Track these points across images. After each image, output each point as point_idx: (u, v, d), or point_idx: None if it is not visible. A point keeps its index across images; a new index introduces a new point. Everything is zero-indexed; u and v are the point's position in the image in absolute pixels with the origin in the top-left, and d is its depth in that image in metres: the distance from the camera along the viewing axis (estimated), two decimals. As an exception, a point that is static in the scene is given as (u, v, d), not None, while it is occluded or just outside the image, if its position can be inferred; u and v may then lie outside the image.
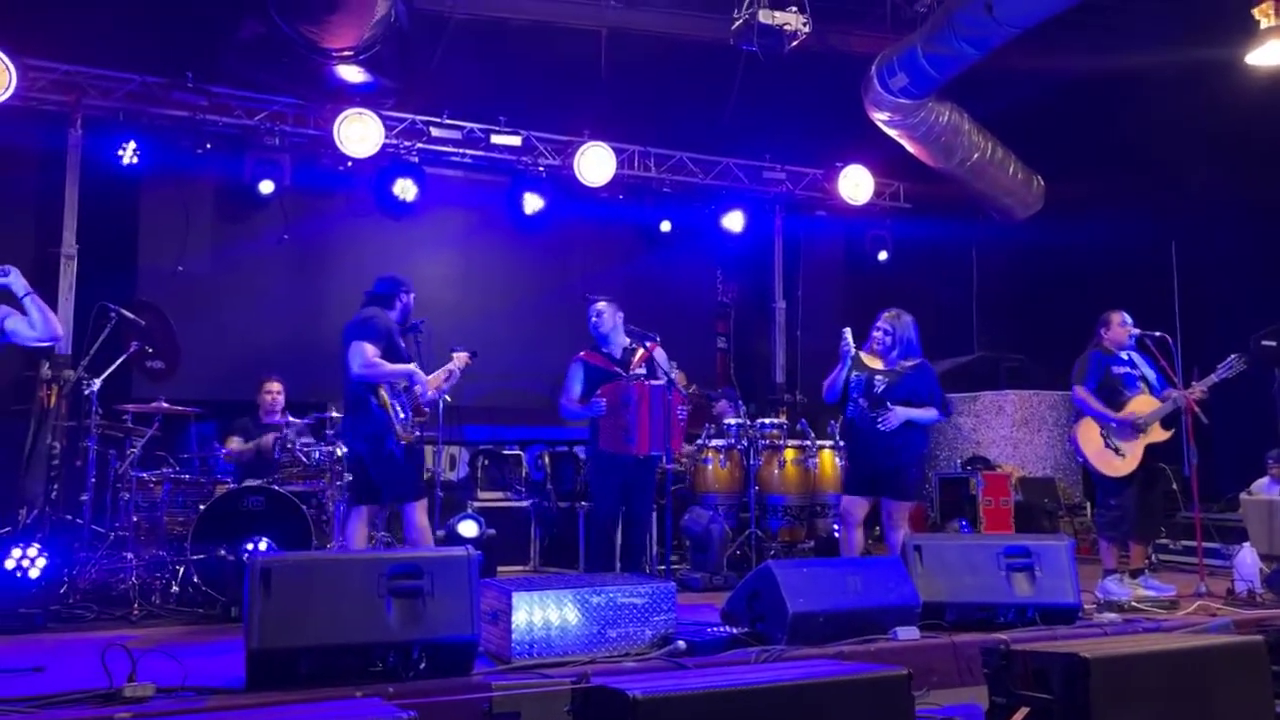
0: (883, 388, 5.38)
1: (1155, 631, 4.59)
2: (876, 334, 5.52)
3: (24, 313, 4.06)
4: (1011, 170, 9.64)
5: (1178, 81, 8.37)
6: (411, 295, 5.41)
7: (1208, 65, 7.92)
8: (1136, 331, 5.91)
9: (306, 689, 3.31)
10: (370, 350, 4.88)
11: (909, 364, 5.45)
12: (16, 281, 4.10)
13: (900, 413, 5.31)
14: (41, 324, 4.10)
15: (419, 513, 5.04)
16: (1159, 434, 5.74)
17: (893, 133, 8.96)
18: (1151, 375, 5.89)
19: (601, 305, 5.73)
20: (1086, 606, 4.93)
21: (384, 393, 4.93)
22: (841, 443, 7.28)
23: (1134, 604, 5.33)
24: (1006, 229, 10.27)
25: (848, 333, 5.40)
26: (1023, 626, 4.52)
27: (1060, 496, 8.85)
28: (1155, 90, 8.64)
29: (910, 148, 9.16)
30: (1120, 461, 5.73)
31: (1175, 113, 8.59)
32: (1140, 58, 8.34)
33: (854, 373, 5.45)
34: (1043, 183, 10.02)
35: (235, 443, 6.29)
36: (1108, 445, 5.77)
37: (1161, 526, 6.74)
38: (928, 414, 5.44)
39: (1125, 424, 5.72)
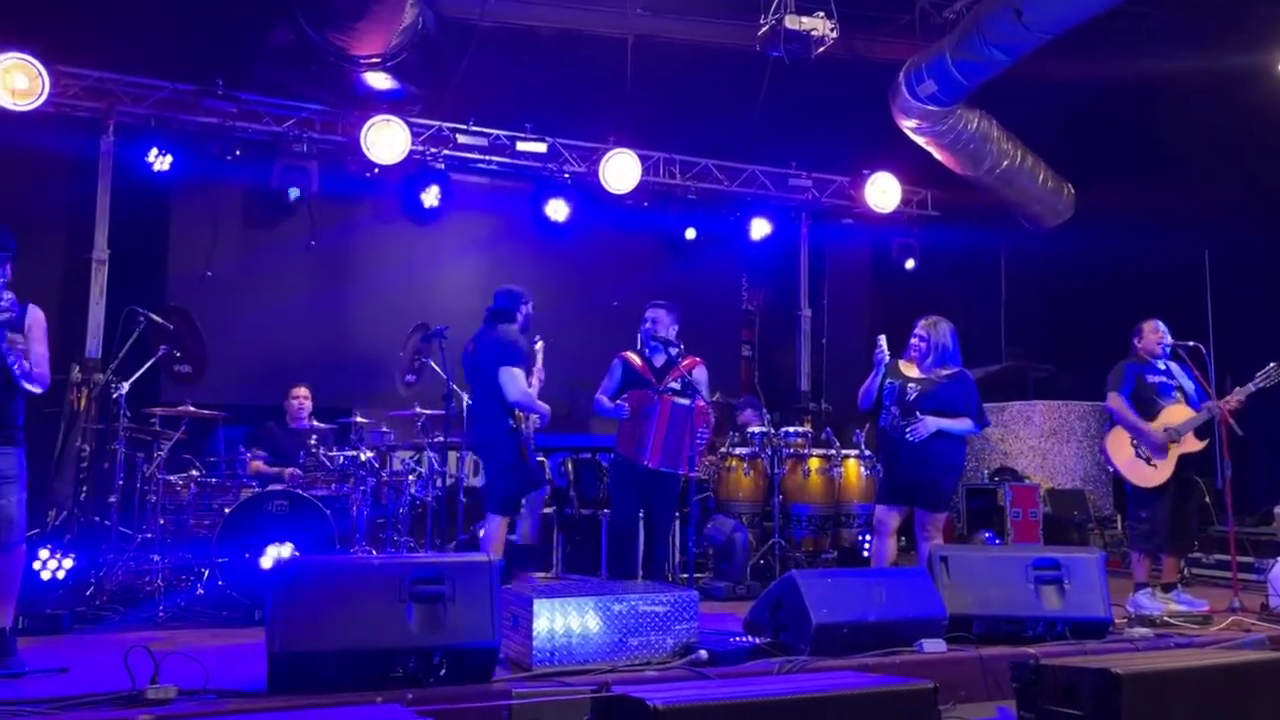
0: (914, 395, 5.26)
1: (1188, 647, 4.50)
2: (912, 340, 5.42)
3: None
4: (1041, 178, 9.54)
5: (1210, 88, 8.26)
6: (530, 304, 5.62)
7: (1241, 72, 7.81)
8: (1169, 341, 5.80)
9: (327, 693, 3.31)
10: (522, 378, 5.25)
11: (945, 373, 5.32)
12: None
13: (930, 423, 5.19)
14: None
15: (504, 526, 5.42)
16: (1193, 444, 5.63)
17: (920, 140, 8.90)
18: (1189, 385, 5.78)
19: (656, 312, 5.66)
20: (1118, 621, 4.84)
21: (519, 413, 5.35)
22: (869, 452, 7.23)
23: (1166, 619, 5.23)
24: (1036, 237, 10.16)
25: (882, 340, 5.31)
26: (1052, 640, 4.44)
27: (1090, 508, 8.71)
28: (1187, 97, 8.53)
29: (938, 155, 9.09)
30: (1151, 472, 5.62)
31: (1208, 120, 8.47)
32: (1172, 64, 8.23)
33: (888, 380, 5.34)
34: (1073, 190, 9.91)
35: (259, 465, 6.31)
36: (1139, 455, 5.67)
37: (1195, 540, 6.61)
38: (960, 424, 5.27)
39: (1157, 434, 5.62)
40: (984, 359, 10.38)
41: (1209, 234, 8.42)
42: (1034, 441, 9.29)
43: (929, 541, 5.23)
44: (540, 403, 5.43)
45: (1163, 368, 5.82)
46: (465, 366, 5.63)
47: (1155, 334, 5.83)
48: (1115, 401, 5.77)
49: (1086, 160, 9.72)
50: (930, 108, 8.33)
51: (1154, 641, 4.62)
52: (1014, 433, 9.43)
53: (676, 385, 5.53)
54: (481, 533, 5.50)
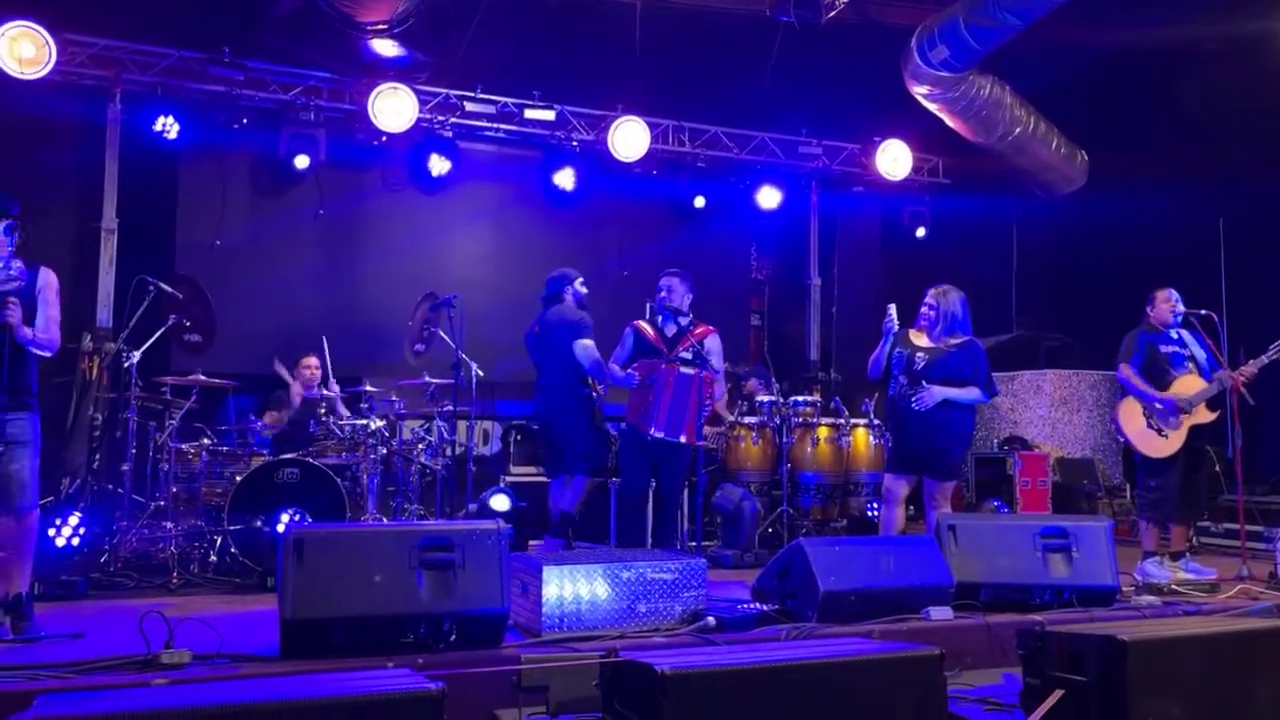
0: (922, 365, 5.24)
1: (1195, 615, 4.51)
2: (922, 309, 5.39)
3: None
4: (1054, 145, 9.44)
5: (1225, 54, 8.14)
6: (578, 280, 6.05)
7: (1256, 37, 7.69)
8: (1182, 310, 5.76)
9: (339, 659, 3.35)
10: (593, 348, 5.70)
11: (954, 341, 5.29)
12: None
13: (936, 392, 5.17)
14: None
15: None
16: (1204, 415, 5.60)
17: (932, 106, 8.80)
18: (1201, 355, 5.74)
19: (671, 280, 5.66)
20: (1125, 589, 4.85)
21: (593, 381, 5.83)
22: (877, 421, 7.22)
23: (1174, 587, 5.24)
24: (1048, 205, 10.08)
25: (892, 308, 5.30)
26: (1059, 608, 4.46)
27: (1099, 478, 8.71)
28: (1202, 63, 8.41)
29: (950, 122, 9.00)
30: (1163, 442, 5.61)
31: (1223, 85, 8.36)
32: (1187, 29, 8.11)
33: (897, 349, 5.32)
34: (1086, 157, 9.81)
35: (271, 416, 6.36)
36: (1150, 425, 5.65)
37: (1204, 509, 6.60)
38: (968, 394, 5.25)
39: (1169, 405, 5.59)
40: (995, 328, 10.33)
41: (1223, 201, 8.34)
42: (1044, 411, 9.28)
43: (938, 510, 5.23)
44: (616, 376, 5.61)
45: (1175, 337, 5.77)
46: (532, 348, 6.03)
47: (1168, 303, 5.79)
48: (1126, 372, 5.74)
49: (1100, 127, 9.61)
50: (942, 73, 8.24)
51: (1161, 609, 4.63)
52: (1024, 402, 9.42)
53: (687, 354, 5.52)
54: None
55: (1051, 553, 4.55)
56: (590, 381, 5.84)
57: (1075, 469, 8.67)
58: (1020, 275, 10.71)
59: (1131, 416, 5.73)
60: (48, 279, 3.96)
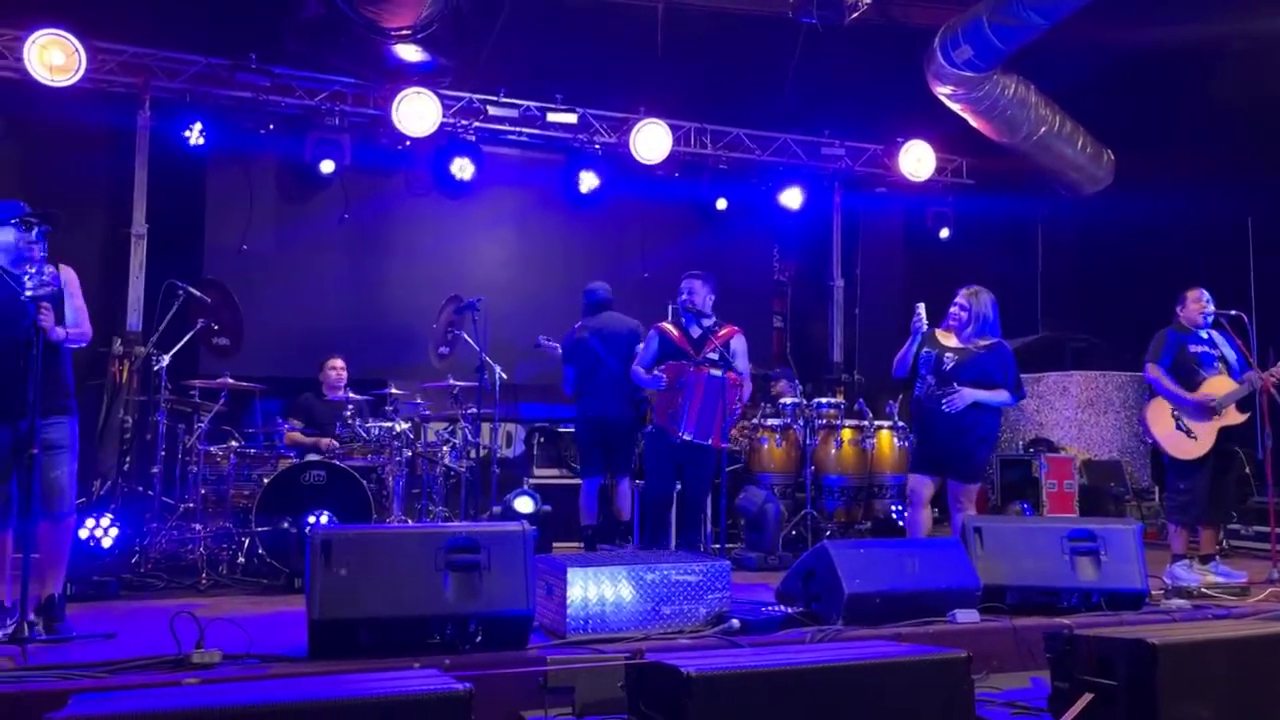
0: (952, 365, 5.18)
1: (1225, 619, 4.46)
2: (953, 309, 5.32)
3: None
4: (1080, 144, 9.36)
5: (1253, 51, 8.04)
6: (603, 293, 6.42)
7: (1287, 34, 7.58)
8: (1212, 310, 5.68)
9: (366, 659, 3.37)
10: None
11: (984, 343, 5.24)
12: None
13: (967, 394, 5.10)
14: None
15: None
16: (1234, 417, 5.53)
17: (956, 107, 8.75)
18: (1232, 356, 5.66)
19: (693, 282, 5.64)
20: (1154, 592, 4.80)
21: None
22: (901, 423, 7.19)
23: (1203, 590, 5.18)
24: (1074, 205, 9.99)
25: (921, 308, 5.22)
26: (1087, 612, 4.42)
27: (1127, 480, 8.62)
28: (1230, 60, 8.31)
29: (974, 122, 8.94)
30: (1191, 444, 5.54)
31: (1252, 83, 8.25)
32: (1214, 26, 8.02)
33: (924, 349, 5.25)
34: (1113, 157, 9.71)
35: (297, 435, 6.38)
36: (1179, 427, 5.58)
37: (1233, 511, 6.52)
38: (998, 396, 5.19)
39: (1198, 405, 5.52)
40: (1020, 329, 10.25)
41: (1252, 200, 8.23)
42: (1070, 412, 9.20)
43: (963, 513, 5.18)
44: (642, 379, 5.63)
45: (1205, 337, 5.70)
46: (581, 351, 6.22)
47: (1198, 303, 5.71)
48: (1154, 372, 5.67)
49: (1126, 125, 9.51)
50: (966, 73, 8.18)
51: (1191, 613, 4.59)
52: (1050, 404, 9.34)
53: (714, 356, 5.52)
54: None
55: (1079, 555, 4.51)
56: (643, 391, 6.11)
57: (1102, 471, 8.59)
58: (1045, 276, 10.62)
59: (1160, 417, 5.67)
60: (68, 275, 4.03)
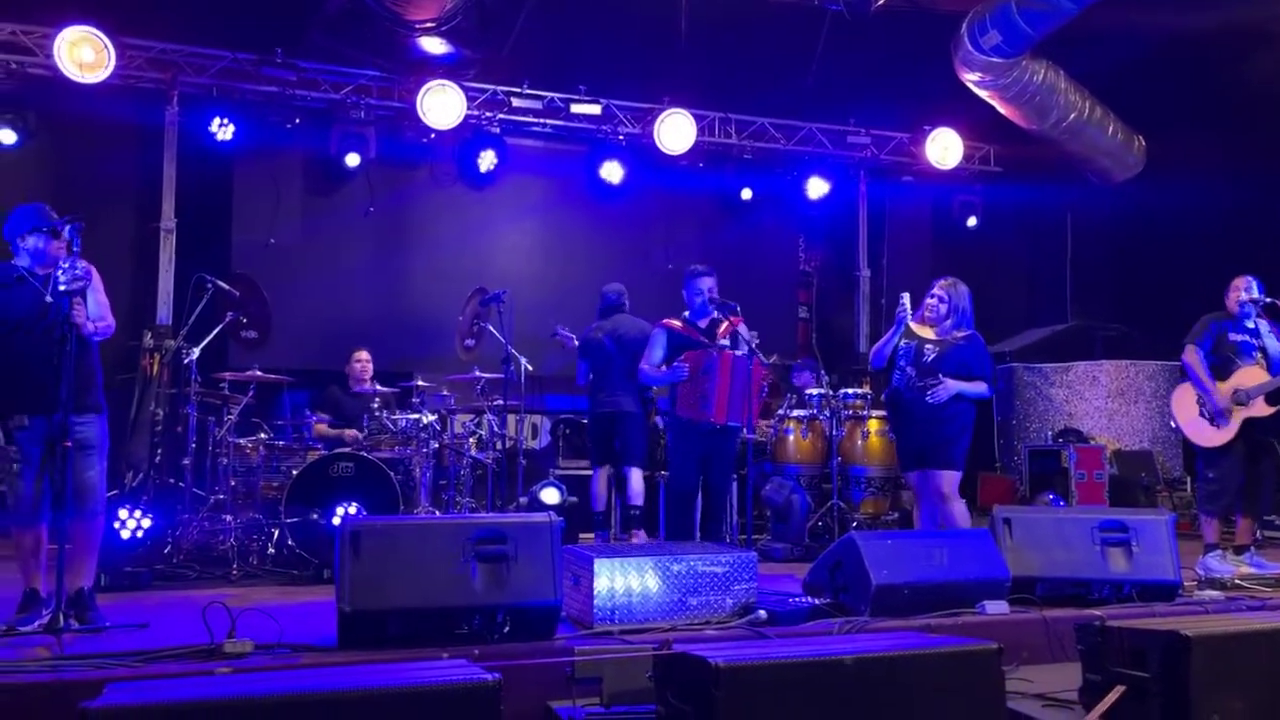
0: (932, 357, 5.16)
1: (1260, 611, 4.39)
2: (930, 301, 5.30)
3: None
4: (1111, 130, 9.23)
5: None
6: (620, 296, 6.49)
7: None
8: (1250, 298, 5.57)
9: (395, 649, 3.40)
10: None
11: (960, 335, 5.23)
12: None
13: (952, 385, 5.08)
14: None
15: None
16: (1262, 409, 5.45)
17: (983, 93, 8.65)
18: (1276, 346, 5.56)
19: (709, 279, 5.58)
20: (1187, 584, 4.74)
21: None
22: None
23: (1237, 582, 5.11)
24: (1104, 192, 9.86)
25: (906, 298, 5.21)
26: (1118, 603, 4.37)
27: (1159, 470, 8.51)
28: (1264, 44, 8.16)
29: (1002, 109, 8.84)
30: (1214, 432, 5.50)
31: (1285, 67, 8.11)
32: (1247, 10, 7.87)
33: (903, 340, 5.25)
34: (1144, 143, 9.57)
35: (323, 427, 6.42)
36: (1202, 414, 5.54)
37: (1268, 502, 6.42)
38: (978, 388, 5.19)
39: (1222, 405, 5.46)
40: (1049, 318, 10.16)
41: (1287, 186, 8.10)
42: (1100, 402, 9.09)
43: (948, 504, 5.12)
44: (655, 377, 5.61)
45: (1251, 326, 5.61)
46: (597, 348, 6.28)
47: (1236, 290, 5.63)
48: (1190, 356, 5.60)
49: (1158, 111, 9.36)
50: (994, 60, 8.09)
51: (1224, 605, 4.53)
52: (1079, 393, 9.24)
53: (726, 342, 5.49)
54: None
55: (1111, 547, 4.46)
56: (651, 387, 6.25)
57: (1133, 461, 8.49)
58: (1075, 264, 10.49)
59: (1185, 403, 5.64)
60: (89, 270, 4.03)
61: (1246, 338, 5.58)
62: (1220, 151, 8.66)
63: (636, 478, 6.25)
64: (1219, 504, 5.56)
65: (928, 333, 5.28)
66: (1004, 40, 7.82)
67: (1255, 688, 2.95)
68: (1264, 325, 5.62)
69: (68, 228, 3.88)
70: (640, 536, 6.22)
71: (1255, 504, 5.71)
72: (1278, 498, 6.91)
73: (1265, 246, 7.43)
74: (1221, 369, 5.55)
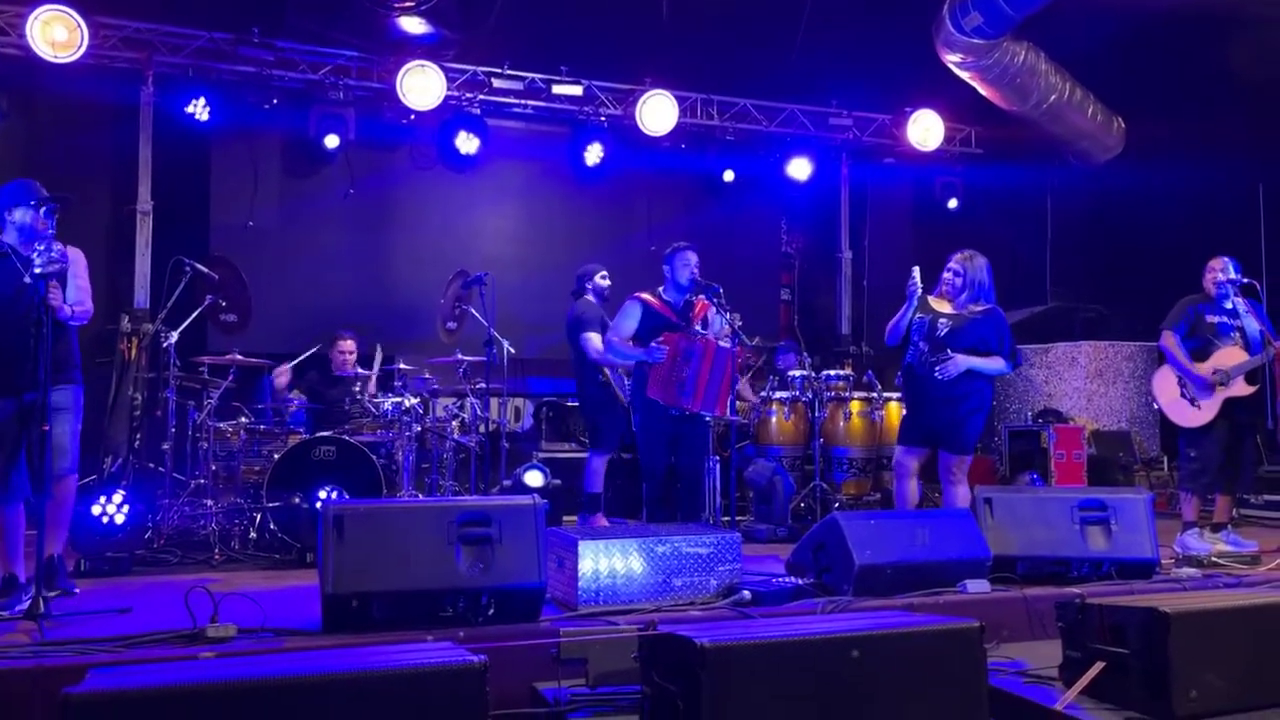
0: (945, 332, 5.03)
1: (1236, 588, 4.46)
2: (946, 275, 5.17)
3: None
4: (1090, 112, 9.27)
5: (1266, 18, 7.92)
6: (600, 274, 6.47)
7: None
8: (1225, 279, 5.60)
9: (380, 632, 3.39)
10: (595, 339, 6.06)
11: (978, 309, 5.10)
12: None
13: (961, 360, 4.96)
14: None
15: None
16: (1241, 389, 5.51)
17: (965, 75, 8.67)
18: (1255, 327, 5.59)
19: (693, 254, 5.46)
20: (1165, 562, 4.80)
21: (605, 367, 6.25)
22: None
23: (1214, 559, 5.18)
24: (1084, 174, 9.91)
25: (916, 271, 5.08)
26: (1097, 581, 4.42)
27: (1136, 450, 8.61)
28: (1242, 27, 8.19)
29: (983, 90, 8.86)
30: (1195, 412, 5.54)
31: (1264, 49, 8.14)
32: (1228, -9, 7.91)
33: (918, 315, 5.11)
34: (1123, 124, 9.62)
35: (284, 375, 6.36)
36: (1184, 395, 5.58)
37: (1250, 481, 6.51)
38: (993, 364, 5.06)
39: (1204, 381, 5.51)
40: (1028, 299, 10.21)
41: (1264, 167, 8.16)
42: (1079, 383, 9.17)
43: (957, 486, 5.10)
44: (624, 350, 5.48)
45: (1228, 307, 5.63)
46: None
47: (1212, 272, 5.66)
48: (1168, 340, 5.63)
49: (1137, 92, 9.41)
50: (975, 41, 8.10)
51: (1201, 582, 4.59)
52: (1058, 374, 9.31)
53: (699, 327, 5.42)
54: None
55: (1090, 525, 4.51)
56: (602, 369, 6.25)
57: (1111, 441, 8.57)
58: (1055, 246, 10.56)
59: (1166, 385, 5.67)
60: (75, 255, 4.04)
61: (1224, 318, 5.62)
62: (1199, 134, 8.71)
63: (592, 464, 6.36)
64: (1200, 483, 5.61)
65: (945, 307, 5.15)
66: (985, 21, 7.83)
67: (1232, 663, 3.00)
68: (1241, 305, 5.65)
69: (43, 209, 3.83)
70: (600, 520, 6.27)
71: (1234, 483, 5.78)
72: (1259, 476, 7.03)
73: (1243, 228, 7.51)
74: (1201, 350, 5.60)
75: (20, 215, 3.97)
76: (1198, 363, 5.59)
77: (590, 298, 6.39)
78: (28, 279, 3.77)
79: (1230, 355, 5.55)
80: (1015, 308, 10.19)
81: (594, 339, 6.07)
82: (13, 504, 3.94)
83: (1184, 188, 8.76)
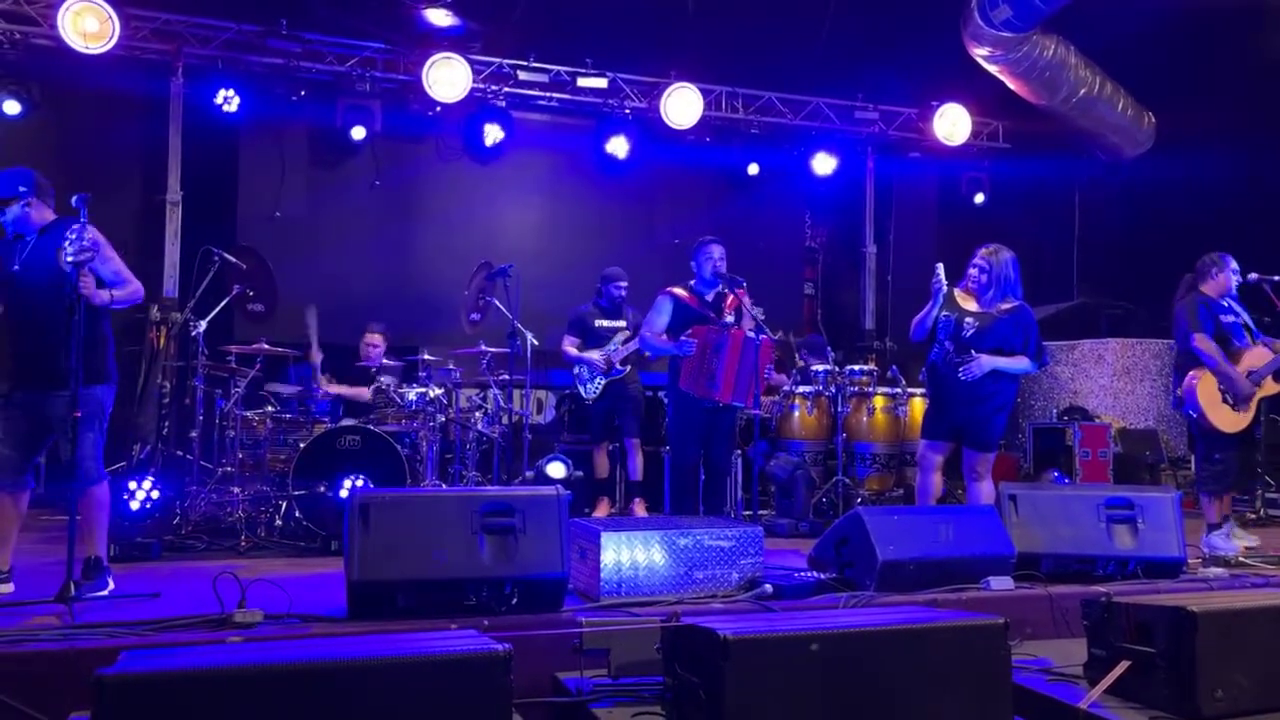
0: (971, 331, 4.97)
1: (1264, 587, 4.42)
2: (972, 271, 5.09)
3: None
4: (1120, 106, 9.17)
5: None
6: (615, 282, 6.78)
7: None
8: (1239, 279, 5.58)
9: (404, 620, 3.42)
10: (567, 341, 6.78)
11: (1006, 307, 5.03)
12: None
13: (985, 362, 4.89)
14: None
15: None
16: (1271, 387, 5.45)
17: (993, 69, 8.59)
18: (1249, 321, 5.57)
19: (720, 247, 5.52)
20: (1191, 561, 4.75)
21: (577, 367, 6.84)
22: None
23: (1241, 559, 5.12)
24: (1113, 169, 9.81)
25: (940, 268, 5.01)
26: (1123, 580, 4.39)
27: (1163, 449, 8.52)
28: (1274, 19, 8.08)
29: (1011, 84, 8.78)
30: (1237, 417, 5.43)
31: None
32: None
33: (944, 312, 5.03)
34: (1154, 119, 9.51)
35: (334, 384, 6.40)
36: (1225, 399, 5.43)
37: (1268, 479, 6.48)
38: (1018, 364, 4.99)
39: (1244, 382, 5.42)
40: (1055, 295, 10.13)
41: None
42: (1105, 380, 9.09)
43: (979, 483, 5.07)
44: (657, 345, 5.62)
45: (1225, 305, 5.57)
46: None
47: (1224, 270, 5.57)
48: (1205, 344, 5.40)
49: (1168, 87, 9.29)
50: (1004, 34, 8.03)
51: (1228, 581, 4.54)
52: (1085, 371, 9.23)
53: (732, 317, 5.45)
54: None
55: (1116, 524, 4.47)
56: (574, 369, 6.83)
57: (1138, 440, 8.49)
58: (1082, 242, 10.47)
59: (1208, 390, 5.46)
60: (95, 237, 3.90)
61: (1233, 318, 5.55)
62: (1231, 128, 8.60)
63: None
64: (1224, 484, 5.54)
65: (971, 304, 5.07)
66: (1014, 14, 7.76)
67: (1260, 663, 2.97)
68: (1236, 305, 5.60)
69: (74, 196, 3.86)
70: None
71: (1241, 481, 5.77)
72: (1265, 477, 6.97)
73: (1276, 223, 7.40)
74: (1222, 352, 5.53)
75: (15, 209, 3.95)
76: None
77: (596, 301, 6.83)
78: (66, 262, 3.77)
79: (1258, 355, 5.47)
80: (1042, 304, 10.11)
81: (566, 341, 6.78)
82: (8, 494, 3.97)
83: (1215, 183, 8.65)
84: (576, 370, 6.81)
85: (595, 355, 6.69)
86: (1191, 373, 5.50)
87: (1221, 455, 5.51)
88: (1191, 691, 2.85)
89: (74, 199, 3.90)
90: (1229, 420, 5.46)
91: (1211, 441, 5.55)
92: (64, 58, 7.23)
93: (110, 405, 4.05)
